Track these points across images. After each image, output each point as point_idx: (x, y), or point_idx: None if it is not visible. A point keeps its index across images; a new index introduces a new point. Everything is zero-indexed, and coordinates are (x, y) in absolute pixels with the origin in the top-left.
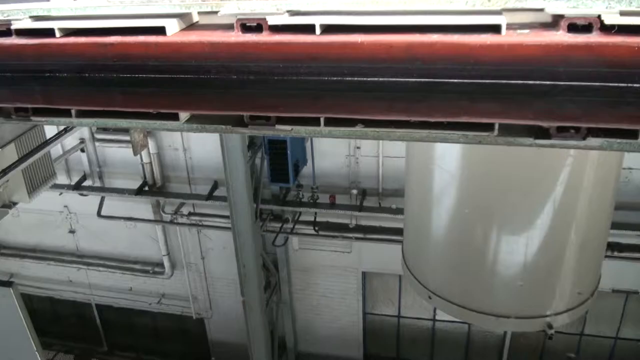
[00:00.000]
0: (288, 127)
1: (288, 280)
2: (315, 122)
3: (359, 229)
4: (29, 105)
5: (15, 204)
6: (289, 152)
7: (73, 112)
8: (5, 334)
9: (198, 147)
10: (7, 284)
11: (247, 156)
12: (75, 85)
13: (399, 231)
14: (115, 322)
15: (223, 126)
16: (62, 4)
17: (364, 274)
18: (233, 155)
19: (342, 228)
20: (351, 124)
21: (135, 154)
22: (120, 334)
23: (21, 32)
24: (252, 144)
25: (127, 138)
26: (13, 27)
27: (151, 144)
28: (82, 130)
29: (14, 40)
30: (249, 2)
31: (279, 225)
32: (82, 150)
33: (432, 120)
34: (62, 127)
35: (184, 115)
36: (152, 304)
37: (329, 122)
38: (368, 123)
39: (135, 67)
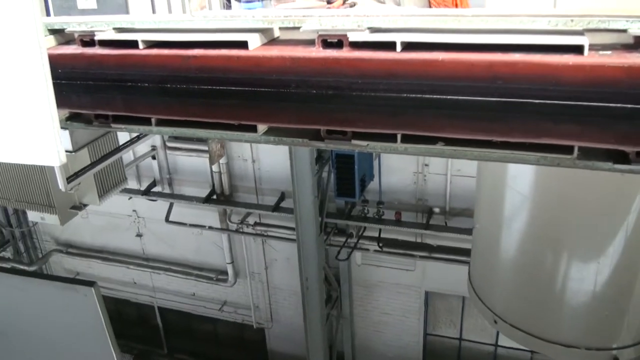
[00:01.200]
0: (364, 143)
1: (349, 296)
2: (391, 138)
3: (423, 247)
4: (110, 113)
5: (85, 205)
6: (356, 167)
7: (153, 120)
8: (84, 333)
9: (267, 158)
10: (90, 283)
11: (315, 169)
12: (156, 95)
13: (464, 251)
14: (177, 326)
15: (300, 139)
16: (146, 17)
17: (426, 293)
18: (301, 168)
19: (406, 245)
20: (427, 141)
21: (212, 163)
22: (181, 338)
23: (104, 43)
24: (319, 158)
25: (198, 147)
26: (97, 38)
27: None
28: (155, 138)
29: (97, 50)
30: (330, 19)
31: (343, 239)
32: (153, 158)
33: (512, 140)
34: (134, 135)
35: (262, 127)
36: (213, 310)
37: (406, 138)
38: (447, 141)
39: (216, 79)
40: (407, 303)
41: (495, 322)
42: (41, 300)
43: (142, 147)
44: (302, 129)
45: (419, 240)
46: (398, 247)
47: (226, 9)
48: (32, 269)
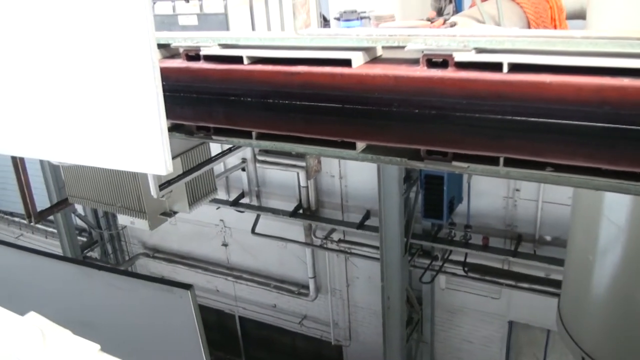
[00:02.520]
0: (464, 165)
1: (431, 319)
2: (493, 161)
3: (510, 275)
4: (212, 125)
5: (175, 213)
6: (445, 188)
7: (254, 134)
8: (176, 335)
9: (354, 175)
10: (187, 286)
11: (403, 189)
12: (257, 110)
13: (552, 282)
14: (256, 336)
15: (398, 158)
16: (250, 34)
17: (510, 323)
18: (389, 186)
19: (492, 272)
20: (530, 165)
21: (309, 178)
22: (259, 349)
23: (209, 58)
24: (408, 177)
25: (287, 161)
26: (202, 52)
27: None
28: (245, 151)
29: (202, 65)
30: (435, 38)
31: (428, 261)
32: (243, 170)
33: (618, 169)
34: (226, 147)
35: (360, 145)
36: (293, 323)
37: (508, 162)
38: (553, 167)
39: (318, 96)
40: (489, 331)
41: (583, 358)
42: (136, 299)
43: (233, 159)
44: (402, 148)
45: (505, 267)
46: (484, 273)
47: (323, 27)
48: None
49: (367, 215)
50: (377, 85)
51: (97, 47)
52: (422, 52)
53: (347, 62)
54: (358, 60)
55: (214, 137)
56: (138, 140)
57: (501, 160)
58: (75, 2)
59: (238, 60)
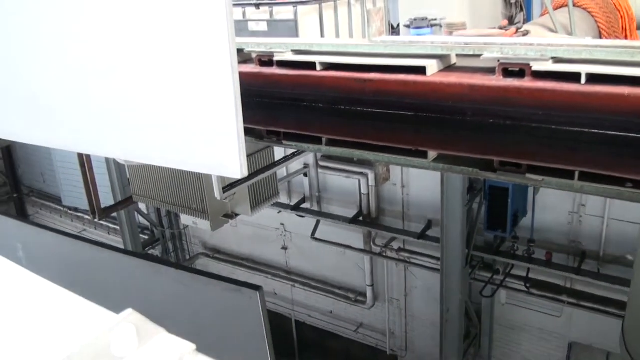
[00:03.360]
0: (539, 177)
1: (489, 335)
2: (568, 175)
3: (572, 293)
4: (282, 130)
5: (237, 215)
6: (510, 200)
7: (324, 140)
8: (243, 336)
9: (416, 184)
10: (256, 287)
11: (466, 199)
12: (328, 116)
13: (616, 303)
14: (311, 341)
15: (470, 169)
16: (324, 40)
17: (571, 343)
18: (452, 197)
19: (554, 289)
20: (606, 180)
21: (377, 186)
22: (314, 354)
23: (282, 64)
24: (471, 188)
25: (349, 168)
26: (275, 58)
27: (371, 176)
28: (308, 156)
29: (274, 70)
30: (512, 47)
31: (489, 275)
32: (305, 175)
33: None
34: (289, 152)
35: (432, 154)
36: (349, 331)
37: (583, 176)
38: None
39: (390, 103)
40: (548, 350)
41: None
42: (204, 297)
43: (296, 165)
44: (474, 158)
45: (568, 285)
46: (545, 290)
47: (391, 35)
48: None
49: (429, 225)
50: (452, 93)
51: (177, 48)
52: (498, 60)
53: (421, 70)
54: (432, 68)
55: (284, 142)
56: (214, 143)
57: (576, 174)
58: (156, 4)
59: (311, 66)
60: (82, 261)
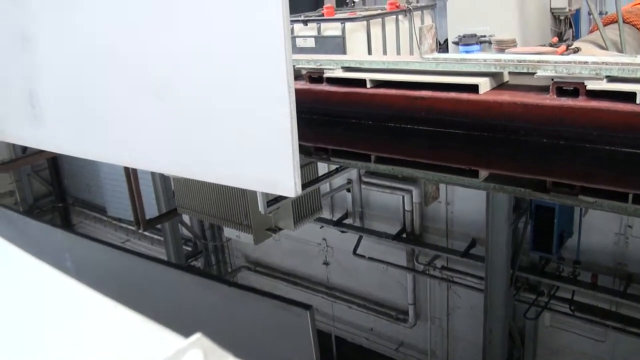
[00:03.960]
0: (591, 200)
1: (533, 358)
2: (621, 197)
3: (618, 317)
4: (330, 147)
5: (280, 229)
6: (556, 220)
7: (372, 157)
8: (293, 356)
9: (461, 202)
10: (306, 306)
11: (512, 218)
12: (377, 133)
13: None
14: (351, 358)
15: (522, 189)
16: (374, 57)
17: None
18: (497, 215)
19: (599, 313)
20: None
21: (426, 204)
22: None
23: (332, 81)
24: (517, 207)
25: (392, 184)
26: (325, 75)
27: (415, 192)
28: (351, 172)
29: (324, 87)
30: (566, 65)
31: (533, 297)
32: (348, 191)
33: None
34: (333, 167)
35: (483, 173)
36: (389, 349)
37: (638, 199)
38: None
39: (442, 121)
40: None
41: None
42: (252, 314)
43: (339, 180)
44: (527, 178)
45: (613, 308)
46: (590, 313)
47: (439, 51)
48: None
49: (473, 243)
50: (504, 112)
51: (233, 66)
52: (552, 79)
53: (473, 88)
54: (485, 86)
55: (332, 158)
56: (269, 161)
57: (630, 197)
58: (213, 22)
59: (361, 83)
60: (132, 274)
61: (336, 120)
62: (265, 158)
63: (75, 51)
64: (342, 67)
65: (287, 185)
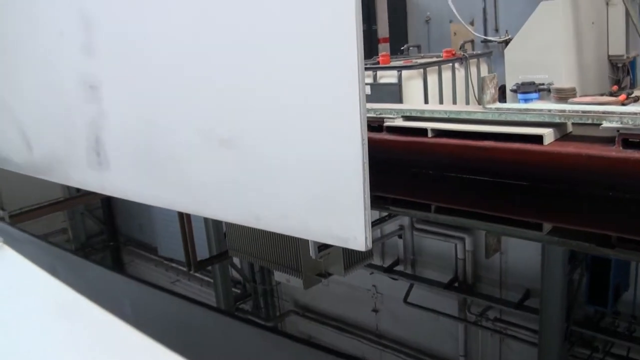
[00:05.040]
0: None
1: None
2: None
3: None
4: (390, 196)
5: (330, 274)
6: (611, 273)
7: (432, 207)
8: None
9: (515, 251)
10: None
11: (567, 269)
12: (438, 183)
13: None
14: None
15: (586, 244)
16: (436, 107)
17: None
18: (552, 266)
19: None
20: None
21: (487, 257)
22: None
23: (392, 129)
24: (572, 258)
25: (445, 231)
26: (385, 124)
27: (468, 240)
28: (403, 218)
29: (384, 136)
30: (633, 117)
31: (588, 352)
32: (400, 237)
33: None
34: (384, 214)
35: (547, 226)
36: None
37: None
38: None
39: (505, 172)
40: None
41: None
42: None
43: (390, 226)
44: (591, 232)
45: None
46: None
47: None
48: (269, 324)
49: (527, 294)
50: (569, 164)
51: (304, 115)
52: (618, 130)
53: (537, 139)
54: (549, 137)
55: (392, 207)
56: (339, 214)
57: None
58: (286, 73)
59: (421, 132)
60: (192, 324)
61: (396, 169)
62: (335, 211)
63: (141, 98)
64: (403, 116)
65: (358, 239)
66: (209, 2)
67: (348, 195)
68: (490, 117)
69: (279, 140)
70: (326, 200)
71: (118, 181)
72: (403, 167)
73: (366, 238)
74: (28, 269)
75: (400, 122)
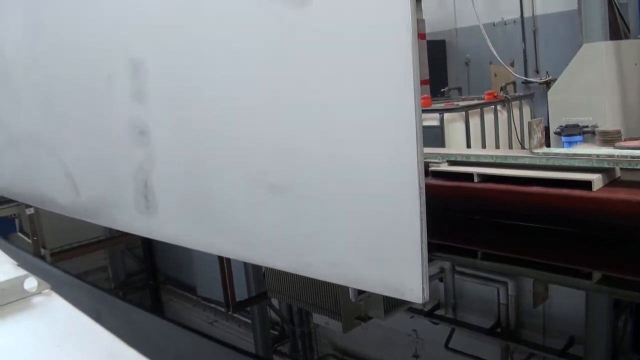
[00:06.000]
0: None
1: None
2: None
3: None
4: (435, 241)
5: (370, 318)
6: None
7: (479, 253)
8: None
9: (558, 297)
10: None
11: (612, 316)
12: (484, 229)
13: None
14: None
15: (637, 293)
16: (482, 151)
17: None
18: (597, 313)
19: None
20: None
21: (535, 306)
22: None
23: (437, 174)
24: (617, 304)
25: (487, 275)
26: (431, 168)
27: (511, 284)
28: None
29: (429, 180)
30: None
31: None
32: (441, 280)
33: None
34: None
35: (596, 275)
36: None
37: None
38: None
39: (552, 218)
40: None
41: None
42: None
43: (431, 269)
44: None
45: None
46: None
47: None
48: None
49: (571, 341)
50: (619, 211)
51: (359, 162)
52: None
53: (586, 185)
54: (598, 183)
55: (436, 253)
56: (394, 265)
57: None
58: (338, 119)
59: (467, 177)
60: None
61: (441, 214)
62: (390, 261)
63: (190, 143)
64: (448, 161)
65: (414, 291)
66: (261, 54)
67: (404, 244)
68: (537, 162)
69: (332, 187)
70: (381, 249)
71: (166, 226)
72: (448, 212)
73: (423, 290)
74: (74, 316)
75: (445, 167)
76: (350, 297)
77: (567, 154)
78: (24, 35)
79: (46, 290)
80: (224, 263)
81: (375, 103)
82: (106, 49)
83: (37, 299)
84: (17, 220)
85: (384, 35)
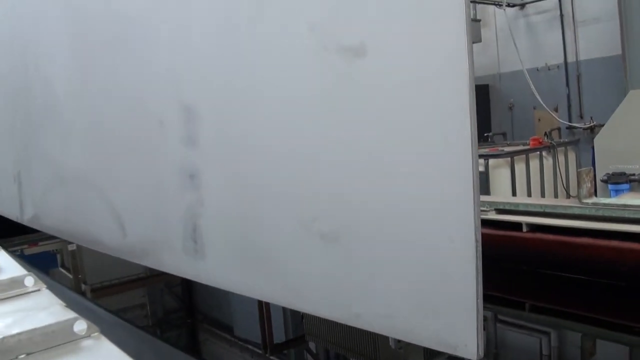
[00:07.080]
0: None
1: None
2: None
3: None
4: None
5: None
6: None
7: (527, 305)
8: None
9: (602, 347)
10: None
11: None
12: (532, 280)
13: None
14: None
15: None
16: (531, 200)
17: None
18: None
19: None
20: None
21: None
22: None
23: (485, 223)
24: None
25: (528, 324)
26: None
27: (553, 335)
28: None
29: None
30: None
31: None
32: (483, 329)
33: None
34: None
35: None
36: None
37: None
38: None
39: (602, 271)
40: None
41: None
42: None
43: None
44: None
45: None
46: None
47: None
48: None
49: None
50: None
51: (413, 215)
52: None
53: (637, 237)
54: None
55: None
56: (448, 320)
57: None
58: (392, 167)
59: (515, 226)
60: None
61: (488, 263)
62: (444, 314)
63: (241, 188)
64: (496, 209)
65: (468, 347)
66: (317, 102)
67: (459, 298)
68: (587, 212)
69: (385, 238)
70: (434, 302)
71: (214, 270)
72: (495, 262)
73: (478, 346)
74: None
75: (493, 216)
76: (390, 344)
77: (617, 205)
78: (77, 76)
79: (95, 334)
80: (263, 304)
81: (432, 155)
82: (159, 94)
83: (86, 342)
84: (58, 256)
85: (441, 89)
